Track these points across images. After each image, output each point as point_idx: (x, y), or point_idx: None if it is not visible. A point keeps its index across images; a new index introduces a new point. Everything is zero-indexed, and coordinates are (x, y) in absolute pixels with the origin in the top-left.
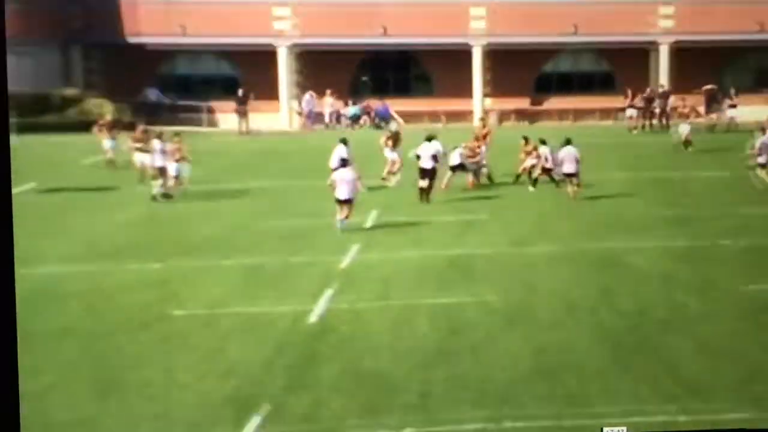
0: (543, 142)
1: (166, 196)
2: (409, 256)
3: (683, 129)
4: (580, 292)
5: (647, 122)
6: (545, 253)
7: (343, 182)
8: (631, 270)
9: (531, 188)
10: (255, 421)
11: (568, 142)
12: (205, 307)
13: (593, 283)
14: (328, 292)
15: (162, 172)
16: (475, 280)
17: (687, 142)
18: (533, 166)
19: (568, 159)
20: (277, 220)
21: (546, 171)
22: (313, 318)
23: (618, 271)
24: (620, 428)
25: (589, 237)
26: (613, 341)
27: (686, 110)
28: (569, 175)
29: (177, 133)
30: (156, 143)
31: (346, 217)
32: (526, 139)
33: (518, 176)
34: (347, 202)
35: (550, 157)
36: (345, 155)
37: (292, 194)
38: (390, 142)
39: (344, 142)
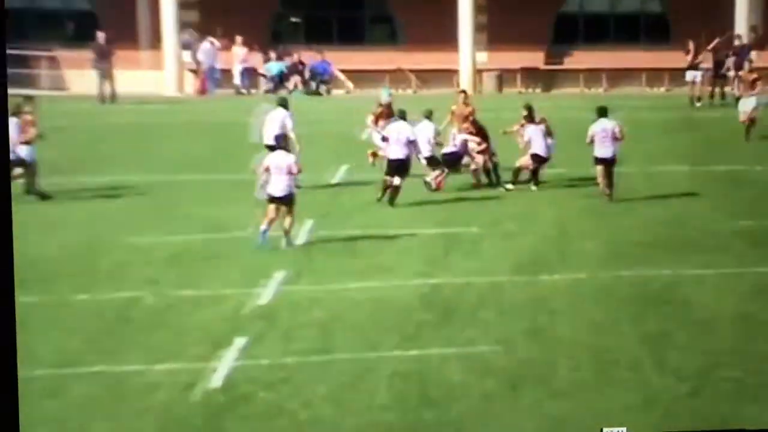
0: (530, 118)
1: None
2: (363, 289)
3: (746, 104)
4: (615, 341)
5: (717, 90)
6: (564, 284)
7: (280, 171)
8: (690, 309)
9: (533, 187)
10: None
11: (602, 113)
12: (51, 366)
13: (634, 327)
14: (239, 343)
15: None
16: (461, 323)
17: (751, 123)
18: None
19: (601, 138)
20: (161, 234)
21: (534, 166)
22: (215, 382)
23: (671, 311)
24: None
25: (628, 259)
26: (664, 414)
27: (751, 75)
28: (603, 162)
29: (28, 98)
30: (12, 121)
31: (288, 232)
32: (529, 109)
33: (517, 171)
34: (284, 201)
35: (541, 142)
36: (285, 127)
37: (183, 194)
38: (382, 121)
39: (284, 104)
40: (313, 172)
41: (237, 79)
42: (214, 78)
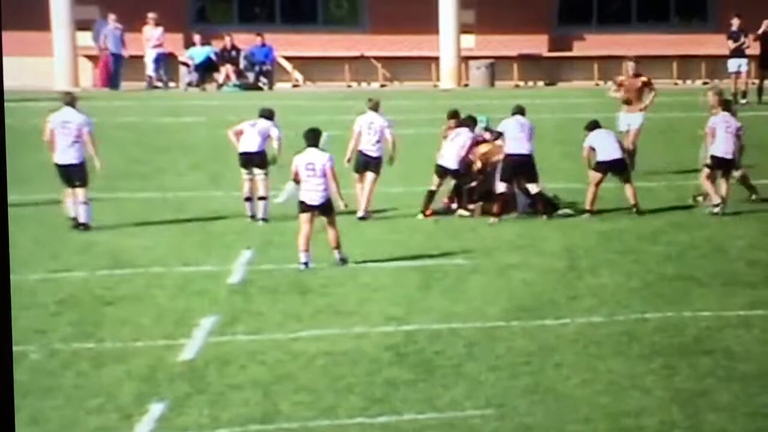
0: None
1: None
2: (316, 338)
3: None
4: (639, 402)
5: (766, 84)
6: (574, 330)
7: (314, 173)
8: (733, 360)
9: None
10: None
11: (595, 125)
12: None
13: (663, 384)
14: (155, 411)
15: None
16: (443, 381)
17: None
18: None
19: (605, 142)
20: (49, 270)
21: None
22: None
23: (710, 363)
24: None
25: (655, 298)
26: None
27: None
28: (613, 167)
29: None
30: None
31: (338, 247)
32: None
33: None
34: (322, 210)
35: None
36: (267, 141)
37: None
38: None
39: (269, 116)
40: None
41: (150, 69)
42: (116, 67)
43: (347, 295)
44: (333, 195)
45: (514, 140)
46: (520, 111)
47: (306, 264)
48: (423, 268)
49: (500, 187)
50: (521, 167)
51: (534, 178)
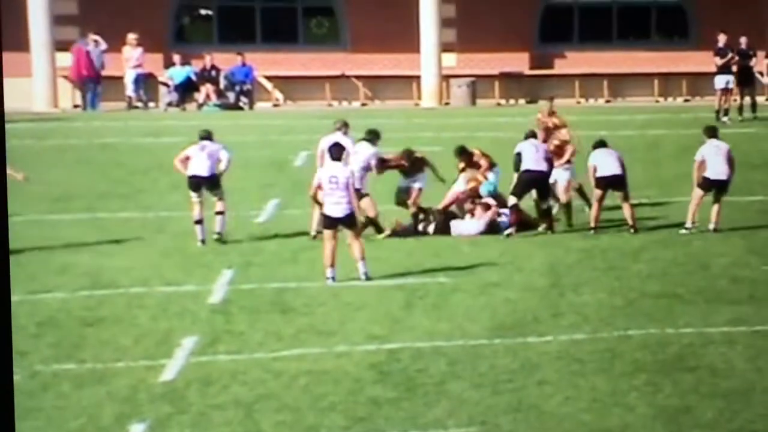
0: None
1: None
2: (298, 358)
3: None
4: (622, 419)
5: (747, 101)
6: (557, 348)
7: (338, 185)
8: (717, 377)
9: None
10: None
11: (600, 144)
12: None
13: (646, 401)
14: (136, 430)
15: None
16: (425, 399)
17: None
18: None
19: (606, 159)
20: (27, 291)
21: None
22: None
23: (693, 380)
24: None
25: (638, 315)
26: None
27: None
28: (612, 183)
29: None
30: None
31: (363, 258)
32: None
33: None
34: (347, 222)
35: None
36: (217, 164)
37: (57, 238)
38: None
39: (208, 137)
40: (233, 209)
41: (129, 89)
42: (93, 87)
43: (329, 314)
44: (356, 208)
45: (530, 159)
46: (533, 135)
47: (333, 278)
48: (405, 287)
49: (511, 200)
50: (536, 183)
51: (546, 195)
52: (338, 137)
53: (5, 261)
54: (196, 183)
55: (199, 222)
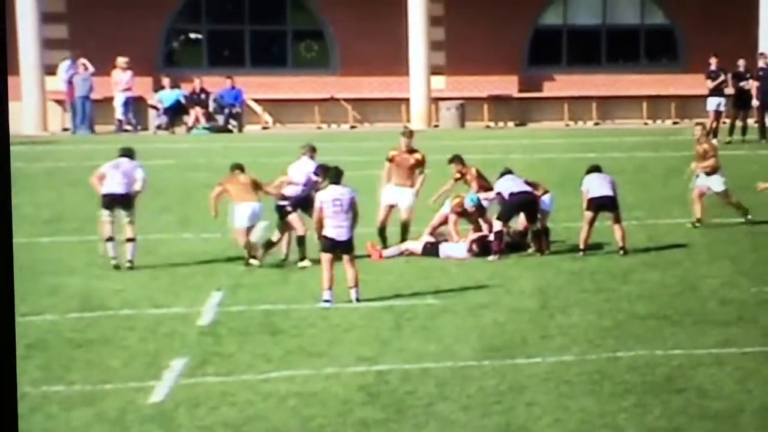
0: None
1: None
2: (287, 379)
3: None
4: None
5: (738, 123)
6: (545, 369)
7: (341, 208)
8: (706, 399)
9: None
10: None
11: (594, 169)
12: None
13: (635, 423)
14: None
15: None
16: (414, 421)
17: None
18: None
19: (598, 182)
20: (16, 313)
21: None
22: None
23: (682, 402)
24: None
25: (627, 337)
26: None
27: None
28: (603, 205)
29: None
30: None
31: (357, 284)
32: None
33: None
34: (346, 247)
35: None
36: (133, 182)
37: (46, 260)
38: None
39: (129, 154)
40: (221, 231)
41: (119, 112)
42: (83, 112)
43: (318, 335)
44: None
45: (516, 186)
46: (509, 171)
47: (329, 301)
48: (394, 308)
49: (497, 225)
50: (524, 206)
51: (534, 218)
52: (305, 162)
53: (9, 279)
54: (110, 201)
55: (110, 239)
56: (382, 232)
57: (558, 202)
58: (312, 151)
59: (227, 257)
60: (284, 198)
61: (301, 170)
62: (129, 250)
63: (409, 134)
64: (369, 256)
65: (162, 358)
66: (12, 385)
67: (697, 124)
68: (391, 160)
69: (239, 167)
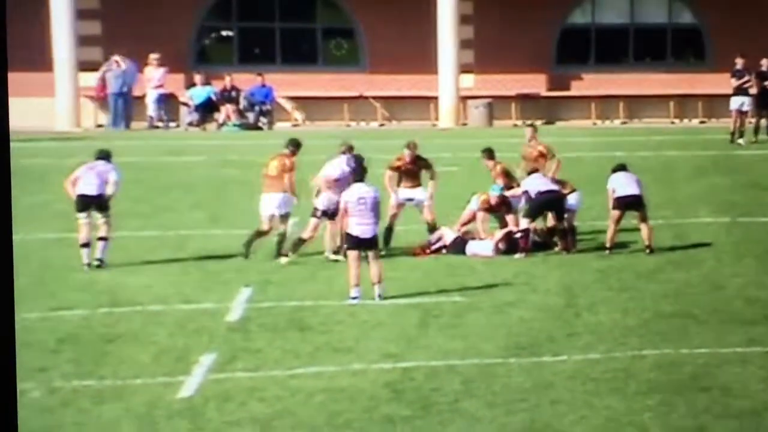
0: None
1: None
2: (315, 375)
3: None
4: None
5: (763, 123)
6: (572, 367)
7: (366, 206)
8: (730, 397)
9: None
10: None
11: (620, 168)
12: None
13: (660, 421)
14: None
15: None
16: (439, 418)
17: None
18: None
19: (624, 181)
20: (49, 308)
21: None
22: None
23: (707, 400)
24: None
25: (652, 335)
26: None
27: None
28: (630, 204)
29: None
30: None
31: (381, 281)
32: (533, 127)
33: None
34: (372, 245)
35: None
36: (106, 184)
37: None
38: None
39: (105, 156)
40: (251, 227)
41: (151, 109)
42: (120, 108)
43: (345, 332)
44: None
45: (543, 185)
46: (535, 170)
47: (357, 298)
48: (421, 306)
49: (523, 223)
50: (551, 205)
51: (561, 217)
52: (342, 159)
53: (9, 278)
54: (84, 203)
55: (85, 246)
56: (389, 230)
57: (585, 201)
58: (350, 150)
59: (257, 253)
60: (318, 202)
61: (338, 167)
62: (99, 248)
63: (414, 146)
64: (415, 254)
65: (191, 354)
66: (11, 384)
67: (529, 125)
68: (396, 168)
69: (294, 144)
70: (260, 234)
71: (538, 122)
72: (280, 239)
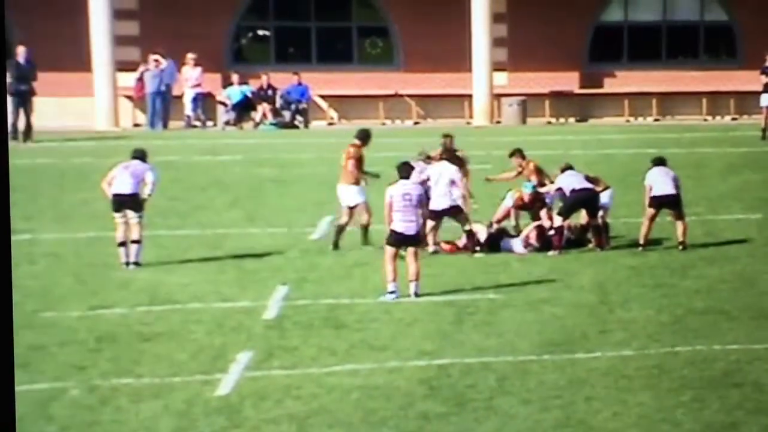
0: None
1: None
2: (351, 373)
3: None
4: None
5: None
6: (605, 364)
7: (410, 202)
8: (763, 393)
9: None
10: None
11: (659, 161)
12: None
13: (693, 417)
14: None
15: None
16: (475, 414)
17: None
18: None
19: (661, 179)
20: (88, 306)
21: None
22: None
23: (740, 396)
24: None
25: (685, 332)
26: None
27: None
28: (666, 203)
29: None
30: None
31: (418, 278)
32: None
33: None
34: (414, 241)
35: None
36: (142, 184)
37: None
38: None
39: (141, 156)
40: (287, 225)
41: (188, 108)
42: (159, 107)
43: (381, 329)
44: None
45: (577, 183)
46: (569, 167)
47: (394, 293)
48: (456, 303)
49: (557, 220)
50: (585, 202)
51: (595, 214)
52: (419, 167)
53: (8, 278)
54: (119, 202)
55: (122, 245)
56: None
57: (618, 198)
58: (428, 159)
59: (293, 252)
60: None
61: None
62: (133, 252)
63: (450, 140)
64: (444, 249)
65: (228, 352)
66: (10, 384)
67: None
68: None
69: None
70: (341, 228)
71: (571, 119)
72: (363, 230)
